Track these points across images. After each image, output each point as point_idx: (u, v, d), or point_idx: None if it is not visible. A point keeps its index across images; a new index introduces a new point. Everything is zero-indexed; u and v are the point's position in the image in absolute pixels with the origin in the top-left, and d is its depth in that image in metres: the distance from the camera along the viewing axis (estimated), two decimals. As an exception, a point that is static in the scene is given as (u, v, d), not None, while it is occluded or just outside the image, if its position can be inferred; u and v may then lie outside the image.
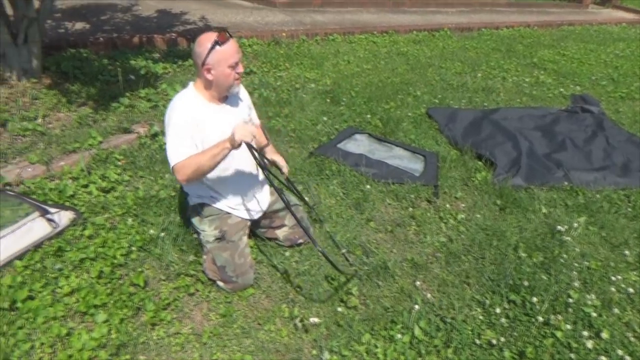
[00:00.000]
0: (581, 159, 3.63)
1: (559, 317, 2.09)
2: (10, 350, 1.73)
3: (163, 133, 3.07)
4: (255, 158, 1.96)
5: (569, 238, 2.66)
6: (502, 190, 3.08)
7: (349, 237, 2.53)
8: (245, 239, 2.22)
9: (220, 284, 2.12)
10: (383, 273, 2.29)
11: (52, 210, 2.37)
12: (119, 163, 2.95)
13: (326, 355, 1.86)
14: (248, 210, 2.24)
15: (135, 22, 5.85)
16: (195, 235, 2.34)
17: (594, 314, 2.12)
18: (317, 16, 7.61)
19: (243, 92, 2.23)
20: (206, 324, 1.98)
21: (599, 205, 3.05)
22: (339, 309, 2.07)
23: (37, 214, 2.30)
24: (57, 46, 4.46)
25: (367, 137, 3.72)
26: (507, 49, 7.16)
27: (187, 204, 2.27)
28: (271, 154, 2.26)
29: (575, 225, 2.78)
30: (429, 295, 2.20)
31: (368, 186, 3.00)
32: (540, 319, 2.07)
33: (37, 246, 2.21)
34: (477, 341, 1.97)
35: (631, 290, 2.32)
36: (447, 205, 2.92)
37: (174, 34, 5.38)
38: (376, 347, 1.90)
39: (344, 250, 2.38)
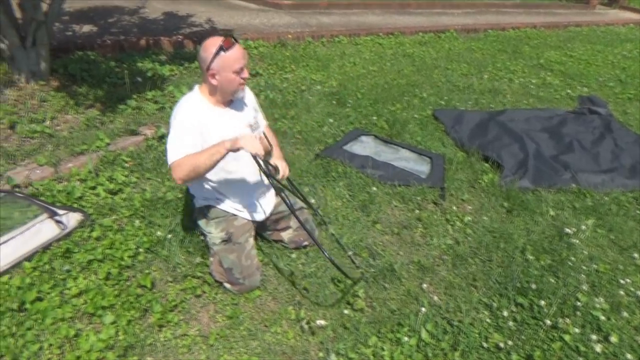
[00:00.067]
0: (589, 160, 3.60)
1: (567, 320, 2.08)
2: (19, 351, 1.74)
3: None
4: (260, 167, 1.97)
5: (577, 241, 2.64)
6: (509, 193, 3.06)
7: (355, 240, 2.53)
8: (251, 240, 2.22)
9: (227, 285, 2.13)
10: (390, 275, 2.29)
11: (60, 212, 2.39)
12: (126, 165, 2.97)
13: (333, 357, 1.85)
14: (254, 212, 2.25)
15: (142, 24, 5.89)
16: (201, 237, 2.35)
17: (603, 318, 2.11)
18: (323, 18, 7.62)
19: (249, 95, 2.24)
20: (213, 326, 1.98)
21: (607, 208, 3.03)
22: (346, 312, 2.07)
23: (45, 215, 2.32)
24: (65, 49, 4.49)
25: (373, 139, 3.72)
26: (513, 50, 7.13)
27: (194, 206, 2.28)
28: (275, 158, 2.26)
29: (583, 227, 2.76)
30: (435, 298, 2.20)
31: (374, 188, 3.00)
32: (548, 322, 2.05)
33: (45, 248, 2.23)
34: (485, 344, 1.96)
35: (640, 293, 2.30)
36: (454, 208, 2.91)
37: (180, 37, 5.40)
38: (383, 350, 1.90)
39: (350, 253, 2.38)
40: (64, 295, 2.01)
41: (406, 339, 1.94)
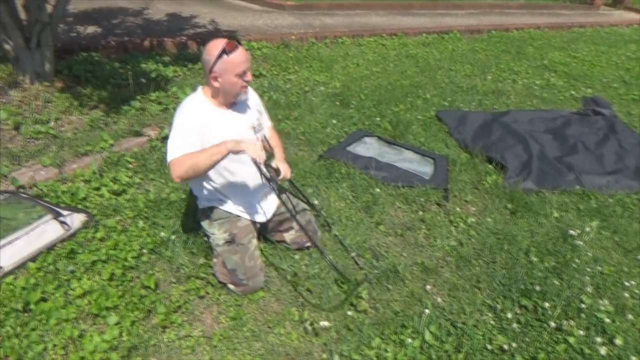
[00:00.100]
0: (593, 162, 3.59)
1: (572, 322, 2.07)
2: (24, 352, 1.75)
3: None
4: (261, 173, 1.97)
5: (581, 242, 2.63)
6: (513, 194, 3.05)
7: (359, 241, 2.53)
8: (254, 241, 2.22)
9: (231, 286, 2.13)
10: (393, 277, 2.29)
11: (65, 212, 2.39)
12: (130, 166, 2.98)
13: (336, 359, 1.85)
14: (256, 213, 2.25)
15: (146, 25, 5.91)
16: (205, 238, 2.35)
17: (607, 320, 2.10)
18: (326, 19, 7.63)
19: (253, 97, 2.24)
20: (216, 327, 1.99)
21: (611, 209, 3.02)
22: (349, 313, 2.07)
23: (49, 216, 2.32)
24: (70, 50, 4.51)
25: (377, 140, 3.72)
26: (517, 51, 7.12)
27: (197, 207, 2.28)
28: (277, 161, 2.25)
29: (588, 229, 2.75)
30: (439, 300, 2.19)
31: (377, 189, 2.99)
32: (553, 324, 2.05)
33: (49, 248, 2.24)
34: (489, 346, 1.95)
35: (645, 295, 2.29)
36: (458, 209, 2.91)
37: (184, 38, 5.42)
38: (386, 351, 1.89)
39: (353, 254, 2.38)
40: (68, 295, 2.01)
41: (409, 340, 1.93)
